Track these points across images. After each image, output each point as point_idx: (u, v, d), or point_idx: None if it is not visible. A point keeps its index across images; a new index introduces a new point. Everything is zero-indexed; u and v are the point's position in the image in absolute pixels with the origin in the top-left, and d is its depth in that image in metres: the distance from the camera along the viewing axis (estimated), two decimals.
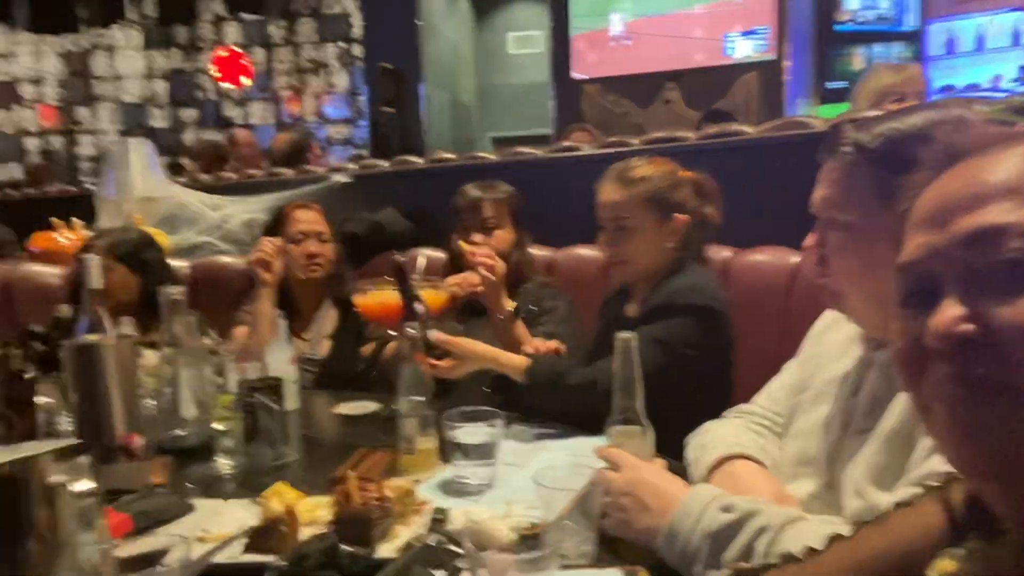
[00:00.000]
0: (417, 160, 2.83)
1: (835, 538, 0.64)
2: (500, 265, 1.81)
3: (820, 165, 1.01)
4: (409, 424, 1.25)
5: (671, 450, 1.13)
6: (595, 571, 0.91)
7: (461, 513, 0.98)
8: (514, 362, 1.47)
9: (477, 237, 1.90)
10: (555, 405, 1.45)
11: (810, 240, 1.01)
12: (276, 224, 2.12)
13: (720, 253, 1.83)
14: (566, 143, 2.68)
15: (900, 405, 0.88)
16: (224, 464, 1.32)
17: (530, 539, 0.92)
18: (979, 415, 0.47)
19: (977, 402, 0.47)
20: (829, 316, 1.15)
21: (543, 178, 2.24)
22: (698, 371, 1.46)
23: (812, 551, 0.64)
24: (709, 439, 1.12)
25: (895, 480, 0.85)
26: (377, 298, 1.66)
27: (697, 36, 6.18)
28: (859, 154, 0.93)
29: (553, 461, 1.25)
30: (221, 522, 1.06)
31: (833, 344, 1.09)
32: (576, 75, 6.31)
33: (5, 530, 0.78)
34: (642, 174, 1.57)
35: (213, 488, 1.23)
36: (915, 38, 5.87)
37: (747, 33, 6.05)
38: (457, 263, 1.92)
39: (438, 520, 1.04)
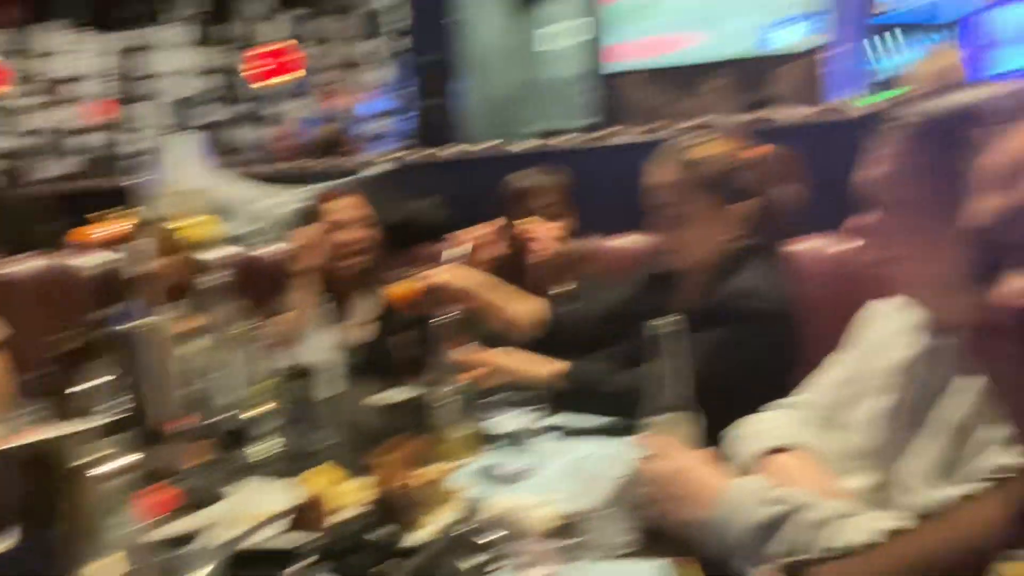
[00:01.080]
0: (451, 150, 2.83)
1: (895, 532, 0.60)
2: (551, 248, 1.79)
3: (862, 145, 0.96)
4: (446, 411, 1.24)
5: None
6: (639, 562, 0.88)
7: (497, 501, 0.97)
8: (545, 375, 1.38)
9: (529, 227, 1.86)
10: (598, 413, 1.37)
11: (865, 222, 0.97)
12: (312, 213, 2.13)
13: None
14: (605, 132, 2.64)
15: (964, 395, 0.83)
16: (266, 447, 1.33)
17: (567, 528, 0.91)
18: None
19: None
20: (879, 304, 1.10)
21: (576, 168, 2.19)
22: (753, 380, 1.29)
23: (871, 544, 0.61)
24: (752, 431, 1.08)
25: (960, 474, 0.80)
26: (404, 287, 1.66)
27: (734, 26, 6.06)
28: (921, 130, 0.88)
29: (595, 450, 1.23)
30: (263, 501, 1.06)
31: (886, 333, 1.04)
32: (615, 67, 6.24)
33: (33, 511, 0.78)
34: (698, 154, 1.40)
35: (256, 469, 1.24)
36: (954, 27, 5.68)
37: (787, 21, 5.90)
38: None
39: (472, 508, 1.03)
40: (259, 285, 2.43)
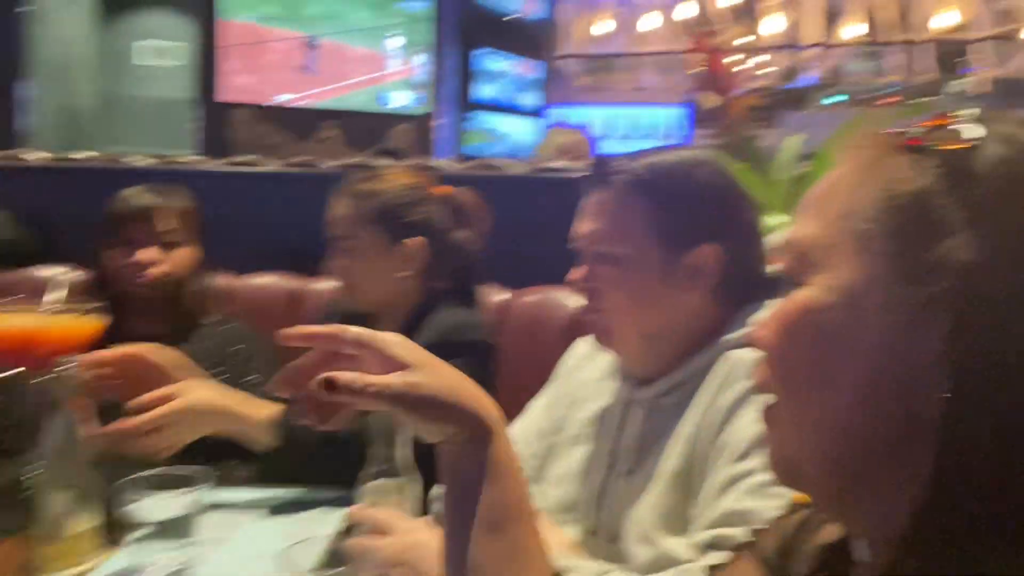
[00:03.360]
0: (36, 155, 2.24)
1: None
2: (173, 280, 1.51)
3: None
4: (57, 499, 0.89)
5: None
6: None
7: None
8: (256, 417, 1.09)
9: (149, 254, 1.51)
10: (317, 472, 1.11)
11: (577, 275, 0.97)
12: None
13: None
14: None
15: (680, 446, 0.86)
16: None
17: None
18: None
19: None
20: (578, 352, 1.12)
21: (204, 193, 1.92)
22: None
23: None
24: None
25: (683, 523, 0.82)
26: None
27: (355, 80, 6.21)
28: (631, 185, 0.92)
29: (264, 529, 1.01)
30: None
31: (587, 382, 1.05)
32: (224, 98, 5.82)
33: None
34: (372, 187, 1.36)
35: None
36: (537, 115, 6.77)
37: (403, 89, 6.28)
38: (109, 284, 1.51)
39: None
40: None
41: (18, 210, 2.03)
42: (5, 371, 1.24)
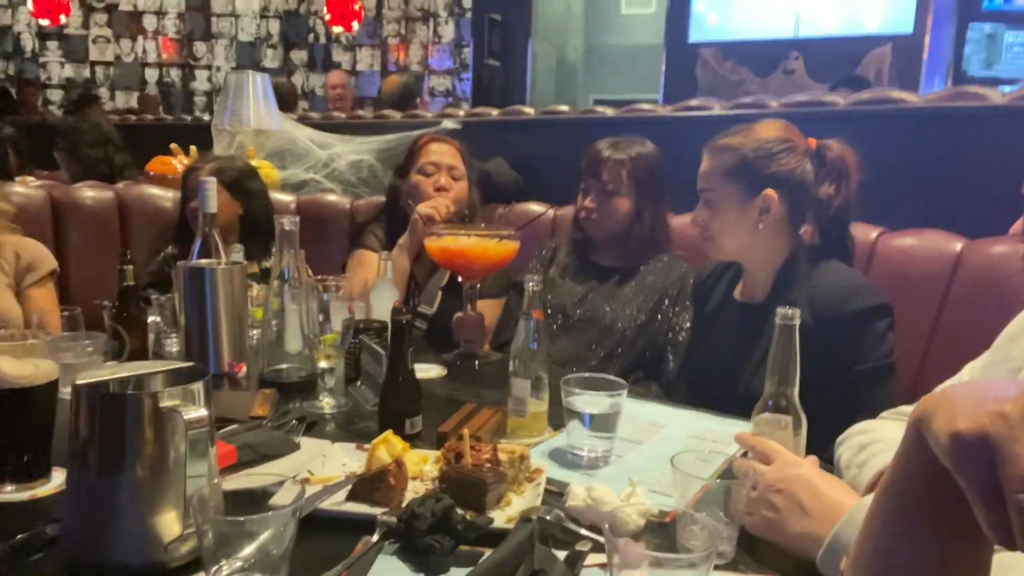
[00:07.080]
0: (527, 110, 2.72)
1: None
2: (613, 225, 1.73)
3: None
4: (521, 384, 1.17)
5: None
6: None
7: (582, 489, 0.89)
8: None
9: (588, 202, 1.77)
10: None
11: (1019, 226, 0.86)
12: (407, 157, 2.04)
13: (867, 233, 1.64)
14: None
15: None
16: (326, 403, 1.28)
17: (658, 527, 0.83)
18: None
19: None
20: None
21: (662, 139, 2.08)
22: (869, 380, 1.28)
23: None
24: (872, 439, 0.97)
25: None
26: (440, 243, 1.58)
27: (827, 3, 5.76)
28: None
29: (674, 440, 1.15)
30: (325, 465, 1.01)
31: None
32: (693, 39, 5.99)
33: (112, 452, 0.74)
34: (729, 142, 1.37)
35: (314, 428, 1.19)
36: None
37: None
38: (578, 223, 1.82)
39: (552, 492, 0.96)
40: (320, 234, 2.40)
41: (512, 156, 2.52)
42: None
